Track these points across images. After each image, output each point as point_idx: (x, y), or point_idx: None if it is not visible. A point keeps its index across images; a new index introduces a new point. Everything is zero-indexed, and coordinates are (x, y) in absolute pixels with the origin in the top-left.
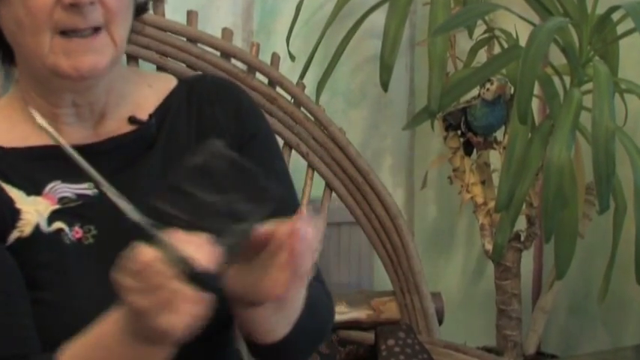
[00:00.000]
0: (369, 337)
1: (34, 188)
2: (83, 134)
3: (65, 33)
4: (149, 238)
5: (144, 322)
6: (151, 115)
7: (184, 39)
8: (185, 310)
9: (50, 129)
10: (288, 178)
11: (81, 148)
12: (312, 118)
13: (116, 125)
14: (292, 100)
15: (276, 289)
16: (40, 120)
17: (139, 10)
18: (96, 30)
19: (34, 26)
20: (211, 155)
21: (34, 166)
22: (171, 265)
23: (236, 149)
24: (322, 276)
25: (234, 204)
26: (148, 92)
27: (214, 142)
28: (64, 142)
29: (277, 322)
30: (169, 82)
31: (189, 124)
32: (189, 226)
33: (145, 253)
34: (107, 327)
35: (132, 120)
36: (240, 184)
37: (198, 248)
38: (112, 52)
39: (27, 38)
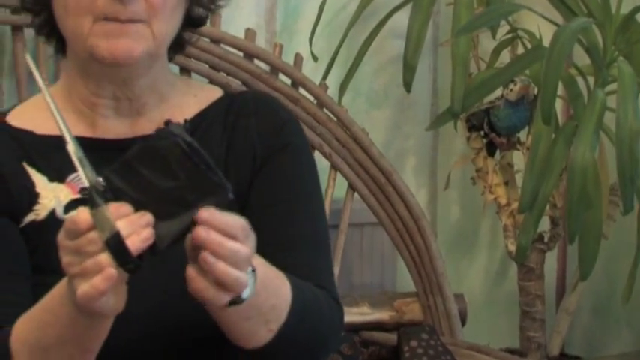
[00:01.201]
0: (391, 338)
1: (57, 175)
2: (119, 130)
3: (106, 19)
4: (93, 205)
5: (72, 287)
6: (186, 120)
7: (207, 40)
8: (96, 282)
9: (52, 103)
10: (312, 198)
11: (116, 142)
12: (335, 119)
13: (152, 126)
14: (315, 101)
15: (197, 292)
16: (45, 90)
17: (195, 22)
18: (136, 21)
19: (78, 9)
20: (169, 139)
21: (62, 155)
22: (100, 235)
23: (264, 160)
24: (331, 284)
25: (181, 191)
26: (191, 101)
27: (176, 127)
28: (57, 111)
29: (255, 328)
30: (214, 93)
31: (222, 134)
32: (134, 203)
33: (81, 216)
34: (56, 290)
35: (167, 123)
36: (192, 173)
37: (133, 227)
38: (149, 43)
39: (70, 20)
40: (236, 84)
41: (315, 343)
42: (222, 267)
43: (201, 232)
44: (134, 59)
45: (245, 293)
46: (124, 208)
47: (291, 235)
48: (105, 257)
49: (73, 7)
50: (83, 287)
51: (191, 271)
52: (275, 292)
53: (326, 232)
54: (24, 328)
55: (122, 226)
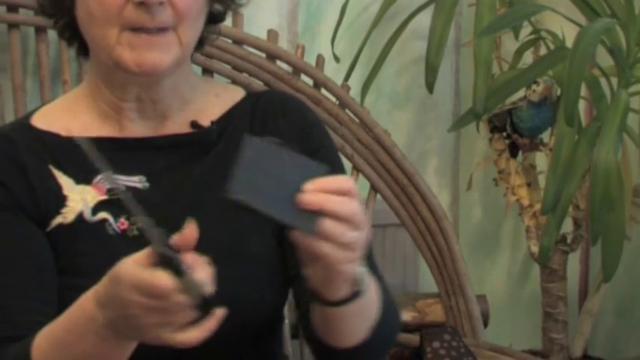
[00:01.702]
0: (414, 339)
1: (84, 177)
2: (144, 131)
3: (133, 29)
4: (165, 260)
5: (136, 328)
6: (212, 122)
7: (230, 41)
8: (205, 328)
9: (82, 140)
10: None
11: (140, 141)
12: (357, 120)
13: (178, 128)
14: (337, 102)
15: (322, 260)
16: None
17: (215, 19)
18: (163, 30)
19: (104, 19)
20: (259, 144)
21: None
22: (187, 294)
23: None
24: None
25: (289, 186)
26: (214, 101)
27: (254, 137)
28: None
29: (357, 326)
30: (237, 94)
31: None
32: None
33: (163, 281)
34: (80, 311)
35: (193, 124)
36: (291, 165)
37: (207, 272)
38: (177, 51)
39: (96, 30)
40: (258, 85)
41: (392, 338)
42: (346, 231)
43: (315, 197)
44: (162, 70)
45: (363, 285)
46: (192, 257)
47: None
48: (196, 313)
49: (99, 17)
50: (193, 334)
51: (321, 245)
52: (369, 290)
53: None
54: (45, 344)
55: (200, 276)
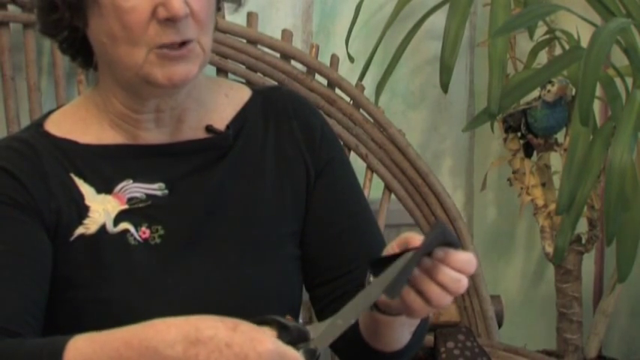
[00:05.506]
0: (428, 339)
1: (104, 186)
2: (160, 138)
3: (159, 45)
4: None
5: None
6: (228, 126)
7: (244, 40)
8: None
9: None
10: (364, 195)
11: (156, 148)
12: (372, 120)
13: (193, 133)
14: (351, 102)
15: (438, 303)
16: None
17: None
18: (187, 41)
19: (129, 40)
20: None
21: (107, 164)
22: None
23: (318, 172)
24: None
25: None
26: (224, 101)
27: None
28: None
29: (404, 333)
30: (244, 93)
31: (265, 136)
32: None
33: None
34: (159, 338)
35: (209, 129)
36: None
37: None
38: (201, 59)
39: (120, 51)
40: (272, 85)
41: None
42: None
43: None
44: (190, 80)
45: None
46: None
47: (375, 244)
48: None
49: (123, 37)
50: None
51: (435, 289)
52: None
53: None
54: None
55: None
